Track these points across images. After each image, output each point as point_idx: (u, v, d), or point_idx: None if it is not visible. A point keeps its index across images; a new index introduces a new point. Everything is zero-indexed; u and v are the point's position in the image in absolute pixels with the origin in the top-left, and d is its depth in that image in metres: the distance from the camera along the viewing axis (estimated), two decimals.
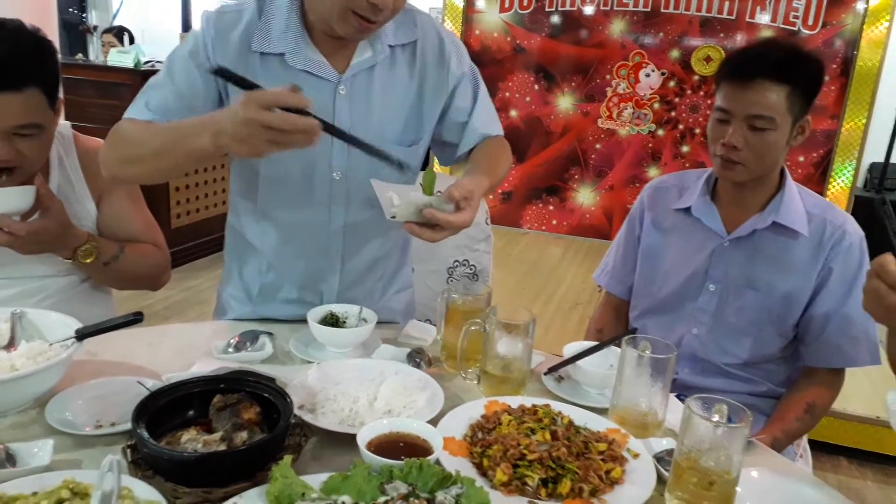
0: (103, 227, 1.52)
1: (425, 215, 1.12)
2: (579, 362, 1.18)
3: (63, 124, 1.51)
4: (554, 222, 4.99)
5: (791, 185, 1.46)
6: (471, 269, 1.97)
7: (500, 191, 5.02)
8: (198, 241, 4.38)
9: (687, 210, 1.52)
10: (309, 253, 1.39)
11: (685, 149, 4.58)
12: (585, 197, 4.87)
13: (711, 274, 1.48)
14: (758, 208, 1.46)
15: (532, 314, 1.16)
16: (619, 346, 1.11)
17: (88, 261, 1.40)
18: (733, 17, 4.28)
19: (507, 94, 4.79)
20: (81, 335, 1.09)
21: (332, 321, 1.30)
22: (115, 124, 1.26)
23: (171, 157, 1.16)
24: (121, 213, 1.53)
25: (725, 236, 1.47)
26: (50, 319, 1.15)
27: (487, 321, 1.15)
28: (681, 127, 4.55)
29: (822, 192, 4.25)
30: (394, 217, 1.13)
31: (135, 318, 1.15)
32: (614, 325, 1.68)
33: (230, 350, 1.23)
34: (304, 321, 1.28)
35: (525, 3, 4.65)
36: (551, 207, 4.97)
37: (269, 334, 1.30)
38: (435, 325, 1.89)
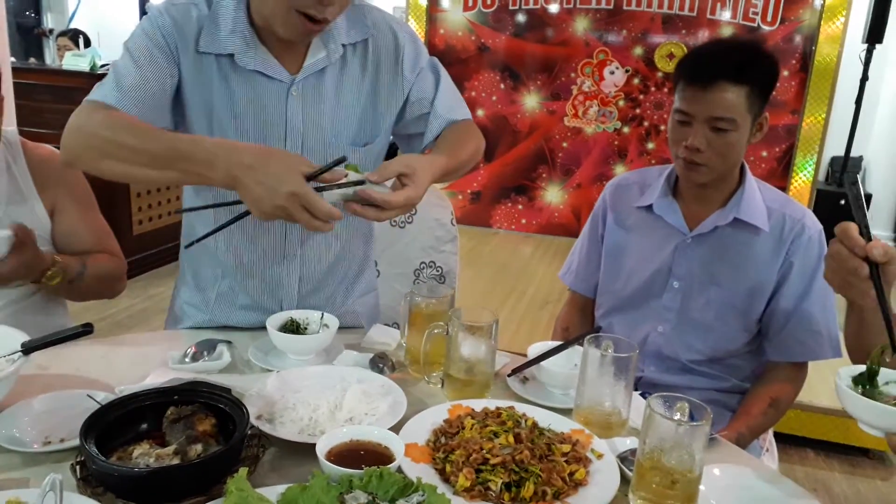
0: (58, 236, 1.47)
1: (359, 195, 1.09)
2: (543, 363, 1.18)
3: (10, 131, 1.46)
4: (523, 221, 5.00)
5: (751, 181, 1.47)
6: (437, 271, 1.95)
7: (468, 190, 5.02)
8: (160, 248, 4.30)
9: (649, 208, 1.52)
10: (266, 257, 1.36)
11: (650, 146, 4.63)
12: (554, 195, 4.89)
13: (675, 271, 1.49)
14: (719, 205, 1.46)
15: (495, 315, 1.15)
16: (582, 345, 1.11)
17: (54, 283, 1.37)
18: (694, 14, 4.34)
19: (473, 93, 4.78)
20: (28, 349, 1.05)
21: (293, 328, 1.28)
22: (86, 108, 1.17)
23: (169, 172, 1.11)
24: (76, 222, 1.49)
25: (688, 233, 1.48)
26: None
27: (450, 324, 1.13)
28: (646, 124, 4.60)
29: (784, 187, 4.33)
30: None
31: (84, 330, 1.11)
32: (581, 324, 1.68)
33: (186, 360, 1.20)
34: (263, 328, 1.25)
35: (489, 2, 4.65)
36: (520, 206, 4.98)
37: (228, 343, 1.27)
38: (400, 328, 1.87)
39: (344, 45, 1.28)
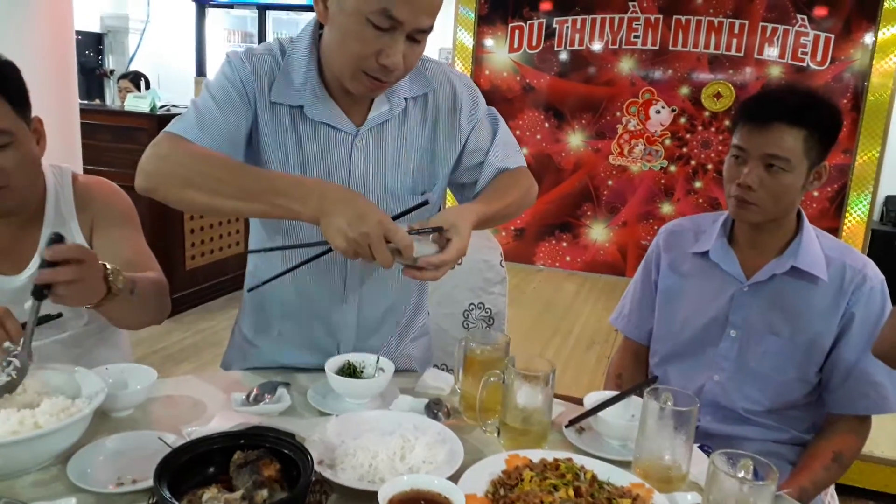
0: (97, 255, 1.41)
1: (419, 263, 1.13)
2: (601, 414, 1.17)
3: (64, 165, 1.49)
4: (568, 258, 4.98)
5: (809, 229, 1.45)
6: (486, 312, 1.96)
7: (512, 227, 5.04)
8: (213, 282, 4.41)
9: (704, 254, 1.51)
10: (326, 300, 1.40)
11: (698, 184, 4.59)
12: (599, 233, 4.87)
13: (732, 319, 1.47)
14: (776, 252, 1.45)
15: (552, 364, 1.15)
16: (640, 395, 1.10)
17: (120, 285, 1.25)
18: (741, 54, 4.33)
19: (518, 132, 4.83)
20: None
21: (350, 371, 1.30)
22: (166, 138, 1.20)
23: (257, 204, 1.14)
24: (114, 240, 1.45)
25: (744, 281, 1.47)
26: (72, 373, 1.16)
27: (506, 372, 1.14)
28: (693, 163, 4.57)
29: (837, 227, 4.24)
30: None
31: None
32: (634, 371, 1.67)
33: (249, 402, 1.23)
34: (320, 370, 1.28)
35: (534, 43, 4.72)
36: (564, 244, 4.97)
37: (287, 385, 1.30)
38: (451, 369, 1.88)
39: (406, 99, 1.33)
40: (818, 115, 1.36)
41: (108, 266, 1.24)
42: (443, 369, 1.90)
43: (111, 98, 5.91)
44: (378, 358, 1.32)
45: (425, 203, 1.19)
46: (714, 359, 1.49)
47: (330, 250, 1.18)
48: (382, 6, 1.11)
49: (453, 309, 1.95)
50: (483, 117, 1.41)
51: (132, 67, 7.83)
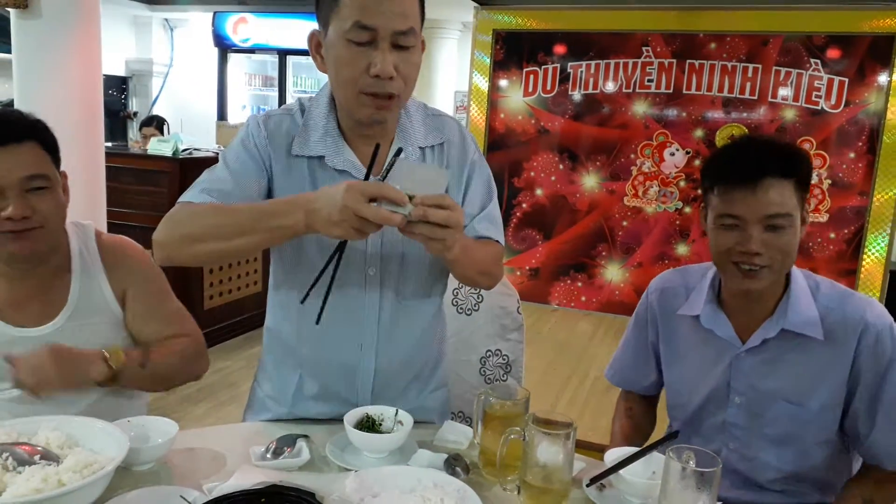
0: (131, 324, 1.51)
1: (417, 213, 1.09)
2: (622, 472, 1.16)
3: (86, 222, 1.55)
4: (583, 299, 4.96)
5: (798, 283, 1.37)
6: (503, 359, 1.96)
7: (527, 267, 5.04)
8: (231, 322, 4.44)
9: (696, 318, 1.45)
10: (344, 350, 1.40)
11: None
12: (614, 274, 4.86)
13: (734, 386, 1.41)
14: (768, 312, 1.38)
15: (572, 420, 1.15)
16: (662, 452, 1.09)
17: (116, 365, 1.36)
18: (755, 97, 4.36)
19: (533, 173, 4.86)
20: None
21: (369, 424, 1.30)
22: (173, 209, 1.27)
23: (256, 234, 1.19)
24: (148, 311, 1.51)
25: (740, 346, 1.40)
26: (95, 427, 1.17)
27: (527, 429, 1.13)
28: None
29: (855, 268, 4.20)
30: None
31: None
32: (645, 406, 1.66)
33: (268, 456, 1.23)
34: (339, 421, 1.29)
35: (548, 87, 4.78)
36: (580, 284, 4.96)
37: (306, 437, 1.30)
38: (468, 417, 1.87)
39: (422, 148, 1.37)
40: (801, 163, 1.31)
41: (106, 352, 1.36)
42: (459, 417, 1.90)
43: (134, 140, 6.05)
44: (397, 411, 1.33)
45: (399, 151, 1.16)
46: (725, 427, 1.44)
47: (340, 248, 1.22)
48: (354, 20, 1.17)
49: (470, 356, 1.95)
50: (482, 184, 1.44)
51: (155, 110, 8.01)
